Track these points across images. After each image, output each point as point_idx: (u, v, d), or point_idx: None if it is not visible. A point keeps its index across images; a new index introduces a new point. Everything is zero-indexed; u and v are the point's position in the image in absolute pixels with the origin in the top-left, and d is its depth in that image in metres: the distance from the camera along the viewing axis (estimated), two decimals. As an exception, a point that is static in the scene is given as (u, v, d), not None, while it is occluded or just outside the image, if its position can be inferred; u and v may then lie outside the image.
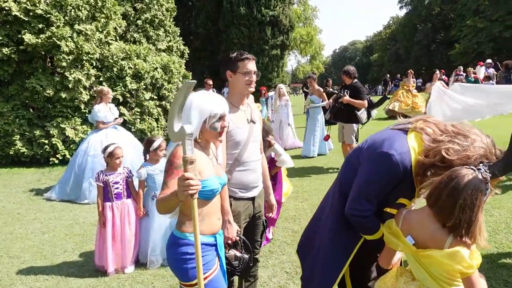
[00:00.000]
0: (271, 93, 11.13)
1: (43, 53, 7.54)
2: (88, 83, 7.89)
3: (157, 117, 9.01)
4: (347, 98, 6.14)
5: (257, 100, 11.05)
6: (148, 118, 8.77)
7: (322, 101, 7.93)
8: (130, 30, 9.92)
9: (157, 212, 3.41)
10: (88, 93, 7.95)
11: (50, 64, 7.89)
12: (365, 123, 6.37)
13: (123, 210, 3.44)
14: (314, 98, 7.98)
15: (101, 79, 8.16)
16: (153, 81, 8.89)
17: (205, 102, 1.74)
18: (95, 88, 6.79)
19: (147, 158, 3.59)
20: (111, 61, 8.20)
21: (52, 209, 5.42)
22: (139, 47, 8.96)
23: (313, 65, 35.67)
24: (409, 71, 12.25)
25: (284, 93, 8.79)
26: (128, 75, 8.39)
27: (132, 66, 8.49)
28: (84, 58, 7.73)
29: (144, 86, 8.61)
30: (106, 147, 3.39)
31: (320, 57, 36.52)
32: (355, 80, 6.34)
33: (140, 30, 10.04)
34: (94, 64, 8.07)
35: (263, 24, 15.20)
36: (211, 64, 16.18)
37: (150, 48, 9.34)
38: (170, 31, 11.02)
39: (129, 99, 8.40)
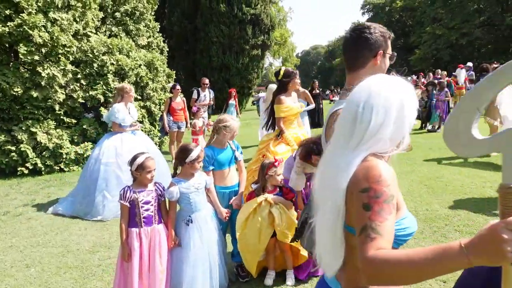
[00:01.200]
0: (261, 94, 10.49)
1: (8, 44, 6.41)
2: (64, 80, 6.83)
3: (141, 119, 8.06)
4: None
5: (222, 104, 10.32)
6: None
7: (308, 104, 7.12)
8: (107, 22, 8.89)
9: (193, 241, 2.73)
10: (64, 92, 6.89)
11: (14, 57, 6.74)
12: None
13: (153, 238, 2.65)
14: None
15: (79, 76, 7.11)
16: (138, 79, 7.96)
17: None
18: (116, 85, 5.98)
19: (179, 172, 2.84)
20: (91, 55, 7.19)
21: (32, 232, 4.42)
22: (121, 41, 7.98)
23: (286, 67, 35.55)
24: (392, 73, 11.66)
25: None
26: (110, 72, 7.41)
27: (115, 62, 7.52)
28: (60, 51, 6.67)
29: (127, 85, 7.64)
30: (134, 158, 2.59)
31: (292, 59, 36.49)
32: None
33: (118, 23, 9.03)
34: (71, 59, 7.02)
35: (244, 22, 14.56)
36: (187, 64, 15.22)
37: (131, 43, 8.38)
38: (150, 26, 10.07)
39: (111, 100, 7.39)
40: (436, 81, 11.22)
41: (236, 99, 12.17)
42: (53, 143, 6.80)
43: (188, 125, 8.26)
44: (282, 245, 3.02)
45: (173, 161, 7.92)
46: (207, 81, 9.57)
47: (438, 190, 5.07)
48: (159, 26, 10.70)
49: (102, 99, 7.28)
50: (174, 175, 2.86)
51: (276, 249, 3.09)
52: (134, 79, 7.83)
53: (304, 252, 2.97)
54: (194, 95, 9.22)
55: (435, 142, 8.31)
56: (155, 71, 8.61)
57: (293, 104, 4.30)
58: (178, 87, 7.96)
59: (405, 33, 50.62)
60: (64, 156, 6.97)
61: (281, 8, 26.62)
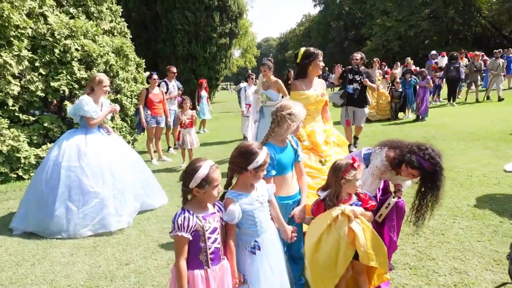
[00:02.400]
0: (243, 84, 9.72)
1: None
2: (19, 68, 5.62)
3: (112, 115, 7.00)
4: (367, 81, 6.47)
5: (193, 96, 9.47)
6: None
7: (283, 97, 6.11)
8: (64, 3, 7.61)
9: (263, 273, 2.06)
10: (18, 83, 5.68)
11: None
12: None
13: (222, 280, 1.89)
14: (270, 93, 5.97)
15: (36, 63, 5.91)
16: (107, 68, 6.87)
17: None
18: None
19: (236, 183, 2.10)
20: (51, 39, 6.00)
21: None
22: (85, 23, 6.83)
23: (246, 58, 34.70)
24: (374, 60, 10.65)
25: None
26: (75, 59, 6.27)
27: (80, 48, 6.38)
28: (12, 33, 5.45)
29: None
30: (193, 169, 1.79)
31: (253, 50, 35.74)
32: (363, 66, 6.74)
33: (77, 4, 7.77)
34: (27, 43, 5.80)
35: (211, 9, 13.59)
36: (147, 54, 13.97)
37: (96, 27, 7.22)
38: (113, 8, 8.87)
39: (77, 92, 6.29)
40: (412, 69, 11.20)
41: (208, 90, 11.31)
42: (7, 146, 5.59)
43: (169, 120, 7.34)
44: (357, 267, 2.40)
45: (152, 160, 7.15)
46: (175, 69, 8.60)
47: (465, 182, 4.74)
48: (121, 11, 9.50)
49: (67, 92, 6.15)
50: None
51: (348, 271, 2.46)
52: (103, 67, 6.74)
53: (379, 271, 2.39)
54: (163, 87, 8.26)
55: (426, 130, 8.15)
56: (125, 59, 7.54)
57: (311, 91, 3.63)
58: (155, 76, 7.00)
59: (355, 25, 52.02)
60: (22, 161, 5.78)
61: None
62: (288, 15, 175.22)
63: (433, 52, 12.83)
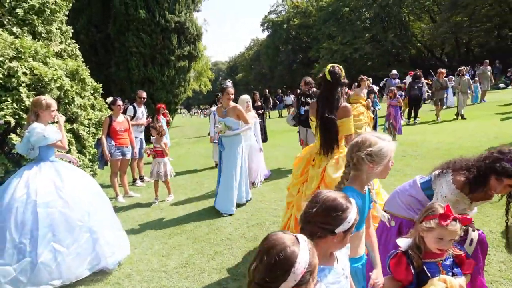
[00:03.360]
0: (213, 108, 9.12)
1: None
2: (-49, 97, 4.60)
3: (68, 147, 6.06)
4: None
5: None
6: (57, 150, 5.79)
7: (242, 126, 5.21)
8: (6, 22, 6.64)
9: None
10: (-50, 115, 4.64)
11: None
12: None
13: None
14: (230, 122, 5.06)
15: (-26, 90, 4.92)
16: (61, 93, 5.97)
17: None
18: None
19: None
20: (-8, 61, 5.06)
21: None
22: (34, 43, 5.92)
23: (201, 82, 34.04)
24: (363, 78, 9.25)
25: (251, 108, 6.74)
26: (23, 84, 5.34)
27: (28, 71, 5.46)
28: None
29: (47, 102, 5.63)
30: (285, 258, 1.16)
31: (207, 73, 35.21)
32: (314, 89, 6.99)
33: (21, 23, 6.82)
34: (-39, 66, 4.81)
35: (168, 31, 12.98)
36: (99, 78, 12.95)
37: (48, 47, 6.31)
38: (63, 29, 7.97)
39: (25, 122, 5.33)
40: (375, 88, 11.36)
41: (167, 117, 10.58)
42: None
43: (136, 150, 6.54)
44: None
45: (117, 197, 6.20)
46: (144, 94, 7.93)
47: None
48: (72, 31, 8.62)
49: (13, 123, 5.17)
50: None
51: None
52: (57, 93, 5.84)
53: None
54: (130, 112, 7.49)
55: (402, 149, 8.09)
56: (81, 83, 6.67)
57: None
58: (120, 102, 6.27)
59: (302, 49, 53.96)
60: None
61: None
62: (236, 40, 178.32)
63: (394, 71, 13.23)
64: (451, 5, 30.71)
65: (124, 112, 6.76)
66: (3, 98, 5.16)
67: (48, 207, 3.25)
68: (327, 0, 46.69)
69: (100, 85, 7.75)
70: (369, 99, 8.51)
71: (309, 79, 7.28)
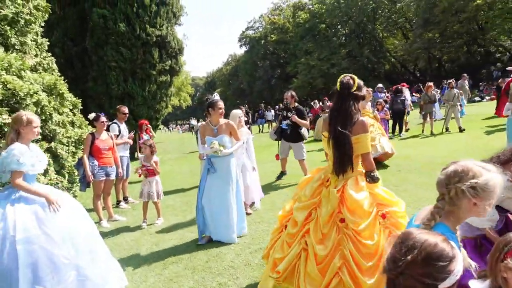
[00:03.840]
0: (194, 121, 8.69)
1: None
2: None
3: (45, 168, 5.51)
4: (295, 117, 6.87)
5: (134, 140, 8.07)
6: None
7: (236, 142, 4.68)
8: (-25, 32, 6.11)
9: None
10: None
11: None
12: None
13: None
14: (225, 140, 4.43)
15: None
16: (38, 110, 5.45)
17: None
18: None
19: None
20: (-41, 74, 4.53)
21: None
22: (8, 55, 5.42)
23: (181, 97, 33.46)
24: (369, 90, 8.87)
25: (243, 123, 6.25)
26: (-5, 99, 4.82)
27: (1, 85, 4.95)
28: None
29: (22, 119, 5.11)
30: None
31: (187, 88, 34.67)
32: (296, 103, 7.20)
33: (-7, 34, 6.29)
34: None
35: (149, 45, 12.55)
36: (75, 93, 12.33)
37: (22, 60, 5.79)
38: (38, 41, 7.45)
39: (3, 141, 4.79)
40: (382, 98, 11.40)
41: (150, 133, 10.11)
42: None
43: (120, 170, 6.05)
44: None
45: (101, 222, 5.59)
46: (126, 110, 7.49)
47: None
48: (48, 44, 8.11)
49: (-18, 142, 4.62)
50: None
51: None
52: (34, 109, 5.32)
53: None
54: (114, 130, 7.00)
55: (395, 163, 7.93)
56: (59, 98, 6.17)
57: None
58: (103, 118, 5.80)
59: (280, 64, 54.51)
60: None
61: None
62: (213, 55, 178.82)
63: (379, 85, 13.27)
64: (423, 22, 31.84)
65: (107, 130, 6.27)
66: (-28, 115, 4.62)
67: (29, 243, 2.76)
68: (303, 16, 47.56)
69: (80, 101, 7.25)
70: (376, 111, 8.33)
71: (292, 93, 7.27)
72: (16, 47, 6.66)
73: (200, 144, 7.62)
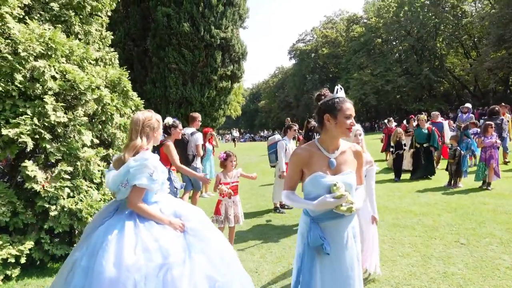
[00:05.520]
0: (278, 136, 7.48)
1: None
2: None
3: (99, 180, 4.49)
4: None
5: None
6: (86, 187, 4.21)
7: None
8: (36, 18, 5.29)
9: None
10: None
11: None
12: None
13: None
14: (350, 179, 2.19)
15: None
16: (99, 108, 4.47)
17: None
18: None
19: None
20: (10, 58, 3.59)
21: None
22: (70, 40, 4.51)
23: (232, 106, 32.93)
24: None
25: (363, 145, 4.51)
26: (50, 92, 3.85)
27: (59, 75, 3.99)
28: None
29: (80, 118, 4.11)
30: None
31: (238, 98, 34.03)
32: None
33: (54, 19, 5.47)
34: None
35: (212, 47, 11.67)
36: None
37: (85, 47, 4.89)
38: (102, 33, 6.63)
39: (47, 145, 3.79)
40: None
41: (213, 142, 9.01)
42: None
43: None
44: None
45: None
46: (199, 116, 6.66)
47: None
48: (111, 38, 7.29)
49: (30, 145, 3.63)
50: None
51: None
52: (94, 107, 4.33)
53: None
54: (198, 140, 6.11)
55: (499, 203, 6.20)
56: (122, 97, 5.19)
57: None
58: (180, 126, 4.82)
59: (329, 78, 52.88)
60: None
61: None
62: (259, 67, 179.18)
63: (467, 104, 11.42)
64: (496, 39, 29.06)
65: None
66: (21, 110, 3.65)
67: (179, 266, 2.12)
68: (358, 30, 45.86)
69: (142, 102, 6.26)
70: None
71: None
72: (80, 36, 5.81)
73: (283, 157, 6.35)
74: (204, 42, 11.40)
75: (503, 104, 10.35)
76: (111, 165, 2.45)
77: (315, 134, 5.07)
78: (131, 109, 5.63)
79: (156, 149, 5.08)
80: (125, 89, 5.19)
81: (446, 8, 38.42)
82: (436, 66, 40.38)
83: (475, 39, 39.02)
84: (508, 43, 28.20)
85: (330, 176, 2.04)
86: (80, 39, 5.83)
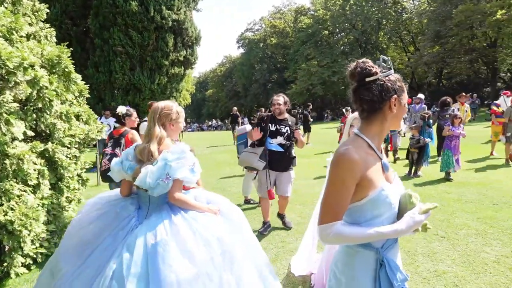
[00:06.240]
0: (248, 126, 6.90)
1: None
2: None
3: (36, 181, 3.67)
4: (300, 134, 4.67)
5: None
6: (18, 191, 3.39)
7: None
8: None
9: None
10: None
11: None
12: None
13: None
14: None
15: None
16: (34, 92, 3.61)
17: None
18: None
19: None
20: None
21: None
22: (-8, 5, 3.58)
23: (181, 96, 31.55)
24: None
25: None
26: (-35, 70, 2.97)
27: (-22, 48, 3.11)
28: None
29: (8, 105, 3.27)
30: None
31: (188, 85, 32.54)
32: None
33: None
34: None
35: (163, 30, 10.70)
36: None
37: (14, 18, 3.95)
38: (36, 5, 5.58)
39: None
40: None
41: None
42: None
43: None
44: None
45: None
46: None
47: None
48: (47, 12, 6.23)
49: None
50: None
51: None
52: (28, 91, 3.48)
53: None
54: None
55: (482, 192, 6.34)
56: (64, 79, 4.33)
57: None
58: (135, 114, 4.12)
59: (278, 68, 53.14)
60: None
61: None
62: (206, 56, 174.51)
63: (420, 95, 11.68)
64: (434, 35, 30.90)
65: (137, 129, 4.61)
66: None
67: None
68: (306, 22, 46.39)
69: (87, 86, 5.36)
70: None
71: (286, 98, 4.75)
72: (6, 5, 4.78)
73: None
74: (154, 24, 10.42)
75: (463, 94, 10.61)
76: (127, 154, 2.33)
77: (269, 124, 4.48)
78: (73, 94, 4.77)
79: (114, 139, 4.35)
80: (66, 70, 4.33)
81: (388, 4, 40.14)
82: (378, 59, 42.15)
83: (413, 35, 41.31)
84: (444, 38, 30.07)
85: (387, 185, 1.44)
86: (6, 8, 4.81)
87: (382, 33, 42.14)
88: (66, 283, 2.01)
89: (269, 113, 4.80)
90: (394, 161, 9.73)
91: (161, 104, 2.37)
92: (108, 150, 4.38)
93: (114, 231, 2.12)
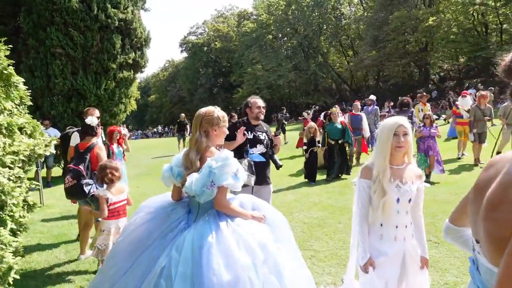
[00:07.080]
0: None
1: None
2: None
3: None
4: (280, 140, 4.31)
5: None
6: None
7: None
8: None
9: None
10: None
11: None
12: None
13: None
14: None
15: None
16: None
17: None
18: None
19: None
20: None
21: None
22: None
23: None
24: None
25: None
26: None
27: None
28: None
29: None
30: None
31: (133, 91, 30.48)
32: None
33: None
34: None
35: (109, 30, 9.71)
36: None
37: None
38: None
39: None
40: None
41: (123, 145, 7.49)
42: None
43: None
44: None
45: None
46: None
47: None
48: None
49: None
50: None
51: None
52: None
53: None
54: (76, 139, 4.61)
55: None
56: (3, 84, 3.52)
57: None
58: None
59: (223, 73, 52.74)
60: None
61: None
62: (152, 60, 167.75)
63: (371, 96, 11.95)
64: (372, 40, 32.56)
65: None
66: None
67: None
68: (250, 26, 46.54)
69: (28, 92, 4.49)
70: None
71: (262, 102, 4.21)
72: None
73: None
74: (98, 23, 9.43)
75: (424, 93, 10.82)
76: (177, 160, 2.46)
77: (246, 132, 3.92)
78: (14, 102, 3.92)
79: (78, 154, 3.63)
80: (5, 72, 3.51)
81: (328, 9, 41.65)
82: (321, 63, 43.55)
83: (351, 40, 43.29)
84: (382, 43, 31.79)
85: None
86: None
87: (323, 38, 43.56)
88: (120, 279, 2.11)
89: (243, 119, 4.31)
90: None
91: (202, 110, 2.44)
92: (72, 166, 3.75)
93: (165, 232, 2.22)
